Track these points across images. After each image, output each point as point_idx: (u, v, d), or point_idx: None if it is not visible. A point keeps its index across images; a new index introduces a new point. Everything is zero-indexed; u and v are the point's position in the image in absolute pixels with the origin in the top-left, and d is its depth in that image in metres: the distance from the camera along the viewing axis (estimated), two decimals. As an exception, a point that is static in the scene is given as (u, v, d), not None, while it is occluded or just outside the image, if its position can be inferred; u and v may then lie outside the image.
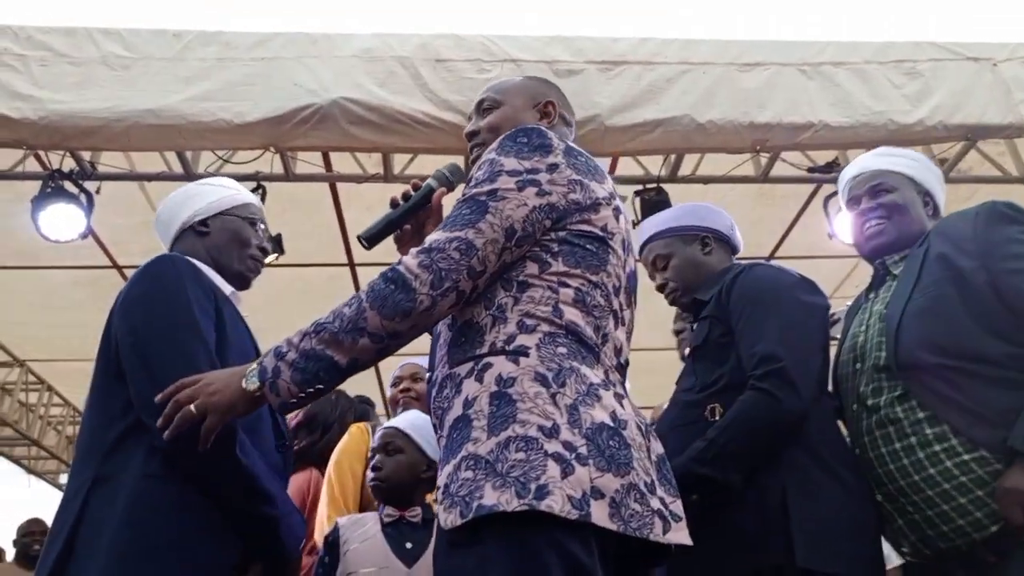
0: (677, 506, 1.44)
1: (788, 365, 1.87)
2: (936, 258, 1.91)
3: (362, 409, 3.26)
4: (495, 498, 1.28)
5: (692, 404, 2.01)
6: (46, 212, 3.97)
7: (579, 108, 3.58)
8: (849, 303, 2.24)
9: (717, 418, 1.92)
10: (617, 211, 1.61)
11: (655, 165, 4.42)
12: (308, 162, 4.25)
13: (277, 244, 4.03)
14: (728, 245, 2.28)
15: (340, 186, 4.56)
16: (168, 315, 1.71)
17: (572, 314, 1.48)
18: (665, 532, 1.38)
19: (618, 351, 1.56)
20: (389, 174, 4.25)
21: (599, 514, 1.30)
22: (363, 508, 2.63)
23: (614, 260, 1.56)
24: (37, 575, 1.67)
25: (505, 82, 1.89)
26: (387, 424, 2.37)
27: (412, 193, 1.76)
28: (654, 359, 4.59)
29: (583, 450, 1.33)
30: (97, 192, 4.10)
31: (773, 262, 2.46)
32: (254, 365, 1.46)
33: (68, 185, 4.00)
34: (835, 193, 4.28)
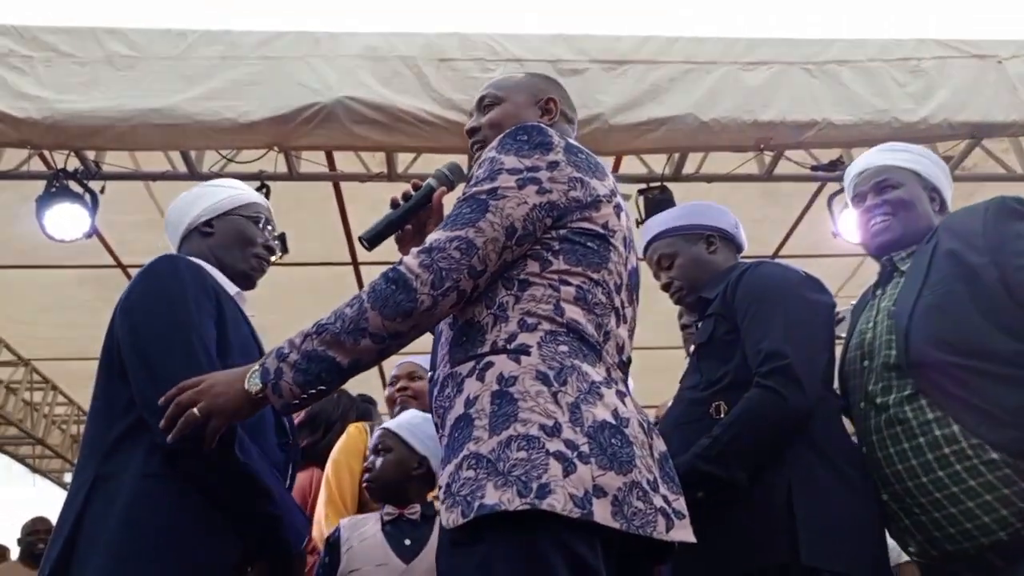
0: (680, 504, 1.44)
1: (794, 362, 1.86)
2: (945, 254, 1.89)
3: (364, 408, 3.26)
4: (497, 497, 1.28)
5: (697, 402, 2.01)
6: (51, 212, 3.97)
7: (583, 107, 3.57)
8: (854, 302, 2.23)
9: (722, 416, 1.91)
10: (618, 208, 1.61)
11: (659, 164, 4.42)
12: (312, 161, 4.26)
13: (281, 243, 4.03)
14: (733, 244, 2.27)
15: (344, 185, 4.57)
16: (167, 314, 1.72)
17: (573, 312, 1.47)
18: (668, 530, 1.38)
19: (620, 349, 1.56)
20: (393, 173, 4.25)
21: (602, 512, 1.30)
22: (362, 507, 2.64)
23: (615, 257, 1.56)
24: (40, 573, 1.68)
25: (506, 79, 1.88)
26: (381, 426, 2.40)
27: (412, 193, 1.76)
28: (657, 358, 4.59)
29: (585, 448, 1.33)
30: (102, 191, 4.10)
31: (777, 261, 2.46)
32: (256, 366, 1.46)
33: (73, 185, 4.00)
34: (839, 191, 4.28)
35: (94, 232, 4.22)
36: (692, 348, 2.20)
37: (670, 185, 4.34)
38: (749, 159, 4.37)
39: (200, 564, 1.62)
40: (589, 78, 3.81)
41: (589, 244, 1.53)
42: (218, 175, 4.05)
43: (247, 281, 2.01)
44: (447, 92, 3.71)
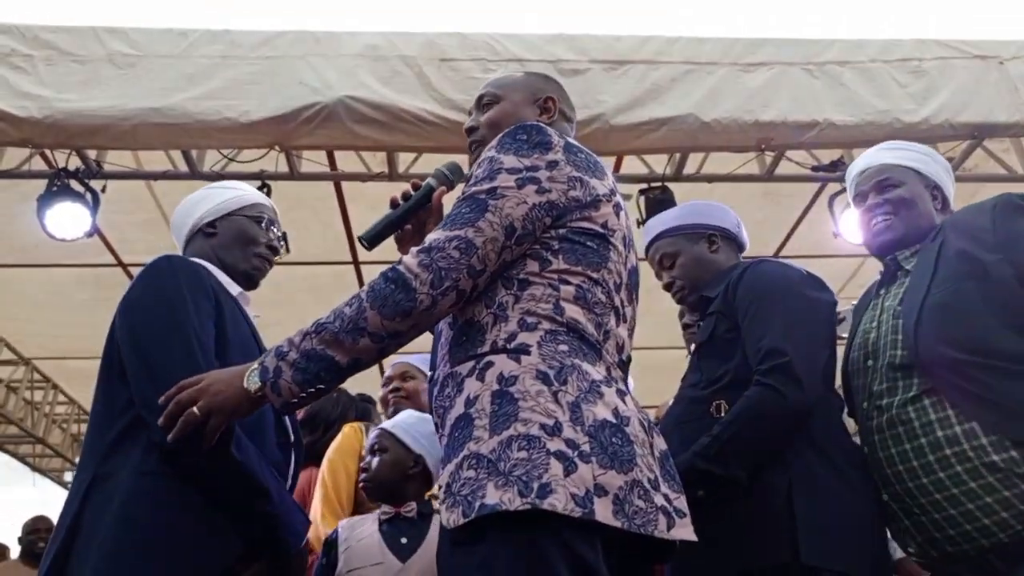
0: (681, 502, 1.44)
1: (794, 360, 1.86)
2: (955, 253, 1.87)
3: (363, 408, 3.26)
4: (498, 497, 1.28)
5: (697, 400, 2.01)
6: (52, 211, 3.98)
7: (584, 107, 3.58)
8: (855, 302, 2.23)
9: (722, 414, 1.91)
10: (618, 207, 1.61)
11: (660, 164, 4.42)
12: (313, 161, 4.26)
13: (283, 243, 4.04)
14: (735, 243, 2.27)
15: (345, 185, 4.57)
16: (166, 314, 1.73)
17: (573, 311, 1.47)
18: (669, 528, 1.38)
19: (620, 348, 1.56)
20: (394, 173, 4.26)
21: (603, 511, 1.30)
22: (358, 507, 2.64)
23: (615, 257, 1.56)
24: (39, 572, 1.68)
25: (505, 78, 1.88)
26: (377, 427, 2.40)
27: (412, 193, 1.76)
28: (658, 358, 4.60)
29: (586, 448, 1.33)
30: (103, 191, 4.11)
31: (779, 260, 2.45)
32: (255, 365, 1.46)
33: (74, 184, 4.01)
34: (840, 192, 4.28)
35: (95, 231, 4.22)
36: (693, 347, 2.20)
37: (671, 185, 4.34)
38: (750, 159, 4.37)
39: (196, 563, 1.62)
40: (590, 78, 3.81)
41: (589, 243, 1.53)
42: (219, 175, 4.05)
43: (249, 281, 2.02)
44: (448, 92, 3.71)
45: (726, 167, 4.40)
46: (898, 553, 2.32)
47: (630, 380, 1.64)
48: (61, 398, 7.61)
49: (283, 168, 4.16)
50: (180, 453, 1.56)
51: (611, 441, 1.36)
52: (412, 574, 2.08)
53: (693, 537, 1.41)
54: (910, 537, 1.88)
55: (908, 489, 1.83)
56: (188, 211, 2.05)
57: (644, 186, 4.36)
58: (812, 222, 5.03)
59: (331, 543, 2.20)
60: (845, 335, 2.16)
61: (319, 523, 2.55)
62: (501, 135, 1.59)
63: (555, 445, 1.32)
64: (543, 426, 1.34)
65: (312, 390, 1.43)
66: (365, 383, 2.53)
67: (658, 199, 4.25)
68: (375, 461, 2.26)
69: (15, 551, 5.65)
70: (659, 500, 1.38)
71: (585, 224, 1.53)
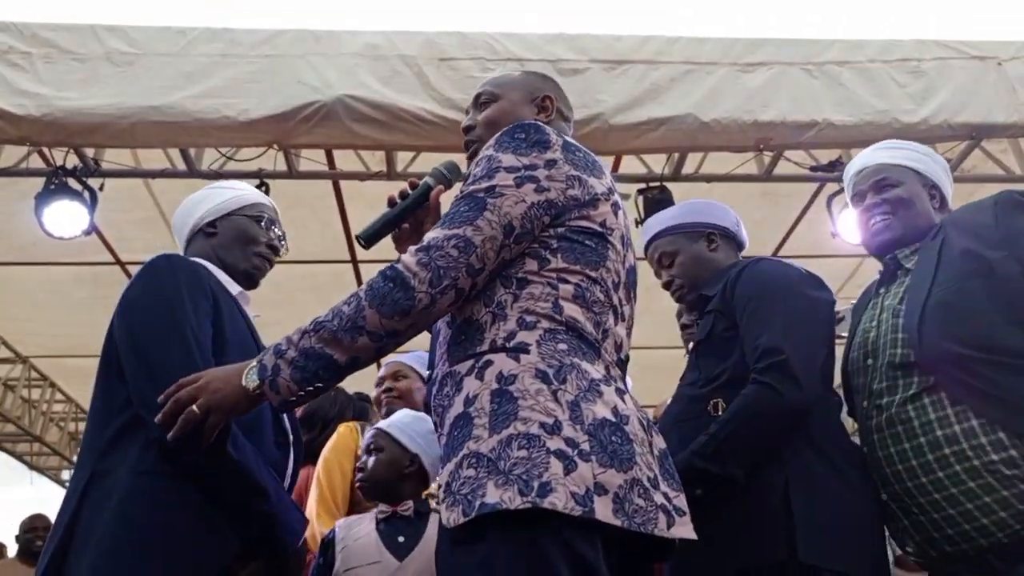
0: (681, 500, 1.44)
1: (790, 358, 1.86)
2: (959, 251, 1.87)
3: (360, 406, 3.26)
4: (498, 496, 1.28)
5: (696, 398, 2.01)
6: (50, 209, 3.97)
7: (583, 107, 3.59)
8: (854, 302, 2.23)
9: (720, 413, 1.91)
10: (616, 206, 1.61)
11: (658, 164, 4.42)
12: (311, 159, 4.26)
13: (283, 242, 4.04)
14: (734, 241, 2.27)
15: (343, 183, 4.57)
16: (164, 312, 1.73)
17: (572, 310, 1.47)
18: (669, 527, 1.38)
19: (618, 347, 1.56)
20: (392, 172, 4.25)
21: (603, 510, 1.30)
22: (354, 506, 2.64)
23: (613, 256, 1.56)
24: (37, 570, 1.68)
25: (503, 77, 1.88)
26: (373, 426, 2.41)
27: (409, 192, 1.76)
28: (656, 357, 4.60)
29: (585, 446, 1.33)
30: (101, 189, 4.10)
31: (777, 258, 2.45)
32: (254, 362, 1.46)
33: (72, 182, 4.00)
34: (839, 192, 4.28)
35: (93, 229, 4.22)
36: (691, 345, 2.20)
37: (669, 185, 4.34)
38: (748, 159, 4.37)
39: (193, 562, 1.62)
40: (589, 78, 3.81)
41: (587, 242, 1.53)
42: (217, 173, 4.05)
43: (250, 280, 2.03)
44: (447, 91, 3.71)
45: (725, 167, 4.41)
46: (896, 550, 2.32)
47: (628, 379, 1.64)
48: (59, 396, 7.60)
49: (281, 167, 4.16)
50: (178, 451, 1.56)
51: (611, 440, 1.36)
52: (409, 573, 2.08)
53: (693, 536, 1.42)
54: (908, 537, 1.88)
55: (907, 488, 1.83)
56: (189, 211, 2.06)
57: (643, 186, 4.37)
58: (810, 222, 5.04)
59: (328, 542, 2.20)
60: (844, 335, 2.16)
61: (314, 522, 2.55)
62: (499, 134, 1.59)
63: (555, 444, 1.32)
64: (543, 425, 1.34)
65: (310, 388, 1.43)
66: (363, 382, 2.53)
67: (656, 199, 4.25)
68: (371, 461, 2.26)
69: (12, 550, 5.64)
70: (659, 499, 1.38)
71: (584, 223, 1.53)
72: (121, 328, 1.77)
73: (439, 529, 1.42)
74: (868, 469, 1.93)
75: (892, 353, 1.90)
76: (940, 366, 1.81)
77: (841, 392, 2.11)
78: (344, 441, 2.80)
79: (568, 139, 1.62)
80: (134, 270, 1.85)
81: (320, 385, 1.44)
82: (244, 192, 2.10)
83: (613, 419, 1.38)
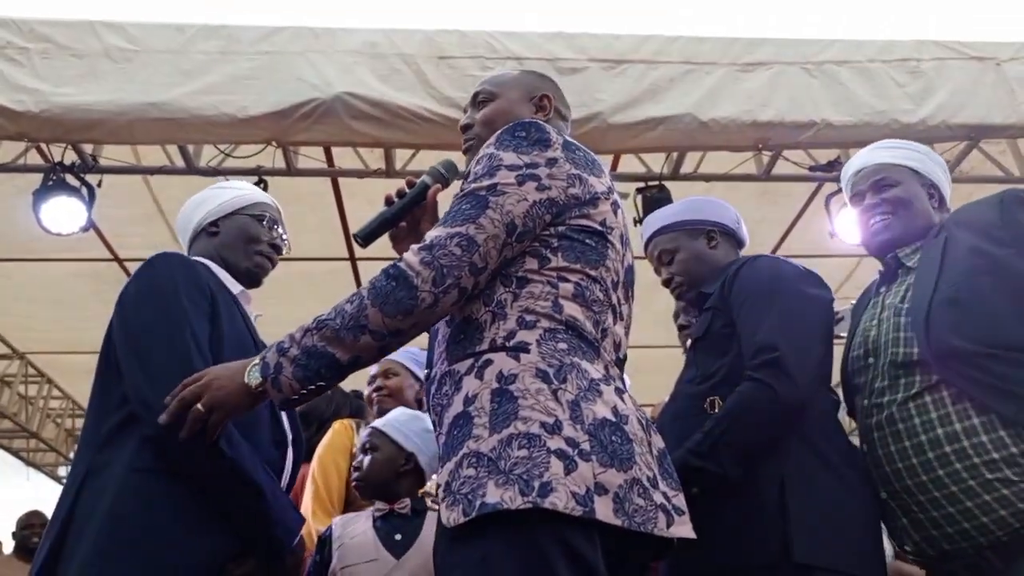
0: (680, 500, 1.45)
1: (785, 355, 1.85)
2: (965, 249, 1.87)
3: (357, 405, 3.25)
4: (498, 496, 1.28)
5: (693, 396, 2.01)
6: (48, 205, 3.97)
7: (582, 106, 3.58)
8: (853, 302, 2.23)
9: (716, 410, 1.91)
10: (615, 205, 1.61)
11: (657, 163, 4.42)
12: (310, 157, 4.25)
13: (285, 241, 4.04)
14: (734, 239, 2.27)
15: (342, 181, 4.56)
16: (161, 311, 1.74)
17: (572, 309, 1.47)
18: (668, 526, 1.38)
19: (617, 346, 1.56)
20: (391, 169, 4.25)
21: (603, 510, 1.30)
22: (349, 504, 2.64)
23: (613, 255, 1.56)
24: (33, 566, 1.68)
25: (501, 75, 1.88)
26: (368, 425, 2.40)
27: (407, 190, 1.75)
28: (654, 356, 4.60)
29: (586, 446, 1.33)
30: (99, 185, 4.09)
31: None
32: (256, 360, 1.46)
33: (70, 178, 3.99)
34: (837, 192, 4.28)
35: (91, 226, 4.21)
36: (689, 342, 2.19)
37: (668, 184, 4.34)
38: (747, 159, 4.37)
39: (189, 560, 1.62)
40: (588, 77, 3.80)
41: (587, 241, 1.53)
42: (216, 170, 4.05)
43: (252, 278, 2.04)
44: (446, 89, 3.70)
45: (723, 166, 4.41)
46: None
47: (626, 378, 1.64)
48: (55, 393, 7.59)
49: (280, 164, 4.16)
50: (174, 448, 1.56)
51: (611, 439, 1.36)
52: (406, 571, 2.08)
53: (692, 535, 1.42)
54: (907, 535, 1.88)
55: (906, 486, 1.83)
56: (191, 212, 2.07)
57: (641, 185, 4.36)
58: (809, 222, 5.04)
59: (325, 540, 2.20)
60: (844, 334, 2.16)
61: (310, 520, 2.55)
62: (500, 132, 1.58)
63: (555, 443, 1.32)
64: (543, 424, 1.34)
65: (312, 386, 1.43)
66: (360, 381, 2.53)
67: (655, 198, 4.25)
68: (367, 460, 2.26)
69: (9, 546, 5.63)
70: (658, 498, 1.38)
71: (584, 222, 1.53)
72: (118, 325, 1.78)
73: (437, 528, 1.42)
74: (866, 468, 1.93)
75: (894, 352, 1.90)
76: (948, 362, 1.80)
77: (840, 391, 2.11)
78: (339, 439, 2.79)
79: (568, 138, 1.63)
80: (132, 267, 1.86)
81: (322, 383, 1.44)
82: (247, 192, 2.11)
83: (613, 419, 1.38)
